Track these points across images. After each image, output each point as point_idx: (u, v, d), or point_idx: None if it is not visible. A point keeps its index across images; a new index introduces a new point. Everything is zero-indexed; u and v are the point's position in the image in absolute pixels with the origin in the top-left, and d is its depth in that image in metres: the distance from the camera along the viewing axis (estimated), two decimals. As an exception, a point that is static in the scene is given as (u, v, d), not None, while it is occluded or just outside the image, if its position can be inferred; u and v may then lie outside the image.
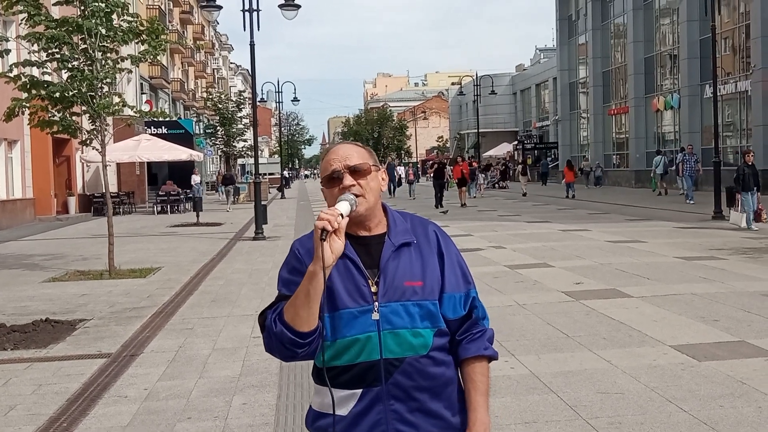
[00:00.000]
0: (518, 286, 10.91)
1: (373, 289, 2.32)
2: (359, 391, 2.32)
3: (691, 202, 26.91)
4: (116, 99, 14.09)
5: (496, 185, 50.62)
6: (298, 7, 21.70)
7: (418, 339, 2.32)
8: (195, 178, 34.41)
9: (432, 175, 33.47)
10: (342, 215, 2.21)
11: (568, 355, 7.04)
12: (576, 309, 9.10)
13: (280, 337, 2.27)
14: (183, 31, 63.82)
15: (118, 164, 37.00)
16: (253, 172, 23.32)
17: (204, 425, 5.54)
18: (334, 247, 2.18)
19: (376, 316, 2.29)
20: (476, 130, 59.22)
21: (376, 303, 2.30)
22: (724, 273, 11.40)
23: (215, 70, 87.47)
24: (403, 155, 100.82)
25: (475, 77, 59.99)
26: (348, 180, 2.33)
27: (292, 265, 2.39)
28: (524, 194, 38.21)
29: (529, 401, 5.78)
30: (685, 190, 28.35)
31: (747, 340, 7.37)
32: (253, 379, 6.66)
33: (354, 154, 2.39)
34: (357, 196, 2.32)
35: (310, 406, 2.46)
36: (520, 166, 46.24)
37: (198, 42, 66.46)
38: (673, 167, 33.90)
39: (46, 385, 6.72)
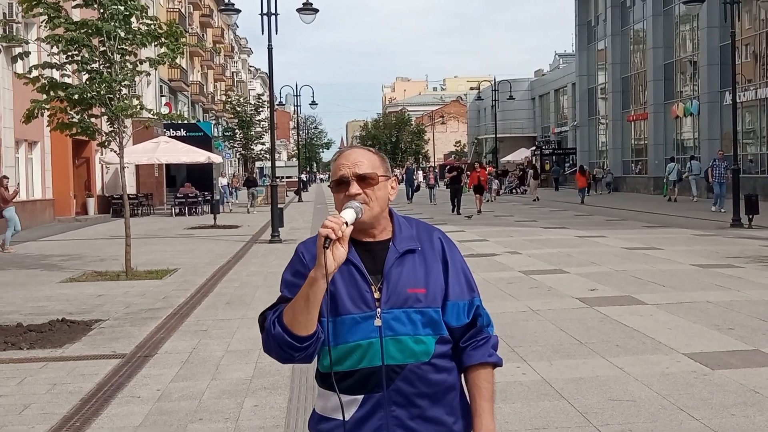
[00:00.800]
0: (532, 292, 10.89)
1: (376, 295, 2.33)
2: (361, 396, 2.33)
3: (722, 210, 25.05)
4: (134, 101, 14.16)
5: (514, 190, 50.52)
6: (316, 11, 21.79)
7: (420, 346, 2.34)
8: (222, 181, 34.80)
9: (449, 180, 32.43)
10: (347, 223, 2.23)
11: (581, 362, 7.03)
12: (590, 315, 9.08)
13: (278, 339, 2.30)
14: (203, 34, 64.14)
15: (136, 166, 37.23)
16: (271, 176, 23.32)
17: (215, 426, 5.58)
18: (336, 255, 2.21)
19: (378, 322, 2.31)
20: (494, 135, 59.11)
21: (379, 309, 2.32)
22: (741, 281, 11.33)
23: (234, 73, 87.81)
24: (420, 159, 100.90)
25: (493, 82, 59.90)
26: (354, 188, 2.35)
27: (295, 268, 2.41)
28: (535, 199, 38.75)
29: (540, 407, 5.78)
30: (714, 197, 26.64)
31: (761, 348, 7.32)
32: (265, 381, 6.69)
33: (365, 161, 2.39)
34: (362, 203, 2.33)
35: (314, 409, 2.47)
36: (531, 171, 46.19)
37: (217, 45, 66.78)
38: (685, 174, 34.37)
39: (60, 384, 6.79)
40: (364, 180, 2.36)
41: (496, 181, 44.25)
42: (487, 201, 36.01)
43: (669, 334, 8.00)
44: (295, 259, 2.43)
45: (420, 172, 50.93)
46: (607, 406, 5.74)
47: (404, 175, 46.51)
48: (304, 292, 2.24)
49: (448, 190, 33.05)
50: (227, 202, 36.63)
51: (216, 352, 7.82)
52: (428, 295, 2.36)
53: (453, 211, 29.49)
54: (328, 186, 2.47)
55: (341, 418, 2.33)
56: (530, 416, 5.59)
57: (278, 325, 2.30)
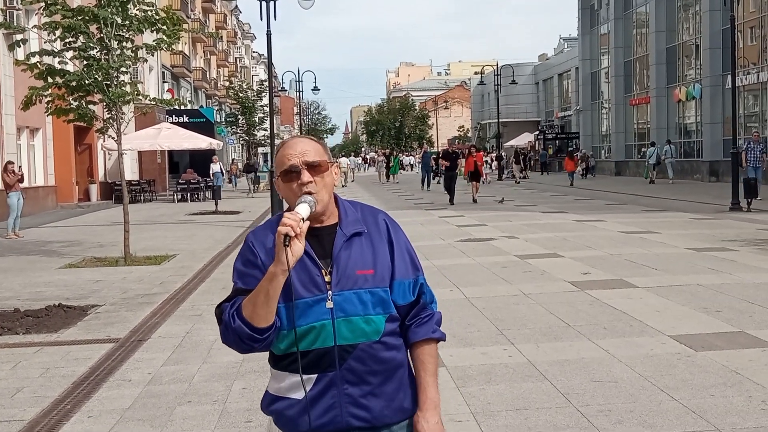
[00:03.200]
0: (525, 276, 10.96)
1: (327, 278, 2.40)
2: (314, 376, 2.41)
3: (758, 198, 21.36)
4: (130, 88, 14.21)
5: (516, 175, 50.47)
6: (315, -4, 21.79)
7: (371, 325, 2.42)
8: (214, 167, 33.75)
9: (443, 168, 29.17)
10: (303, 219, 2.31)
11: (567, 344, 7.11)
12: (580, 299, 9.15)
13: (238, 332, 2.37)
14: (205, 20, 64.09)
15: (139, 152, 37.34)
16: (270, 162, 23.40)
17: (203, 409, 5.68)
18: (294, 250, 2.29)
19: (330, 304, 2.39)
20: (497, 120, 59.04)
21: (330, 292, 2.39)
22: (734, 264, 11.38)
23: (237, 59, 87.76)
24: (425, 144, 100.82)
25: (496, 67, 59.79)
26: (306, 176, 2.41)
27: (246, 258, 2.48)
28: (517, 182, 41.90)
29: (523, 389, 5.86)
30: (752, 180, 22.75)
31: (746, 330, 7.39)
32: (254, 364, 6.77)
33: (311, 149, 2.47)
34: (311, 193, 2.40)
35: (266, 390, 2.56)
36: (513, 157, 47.12)
37: (220, 31, 66.71)
38: (664, 158, 37.12)
39: (53, 368, 6.89)
40: (314, 167, 2.44)
41: (495, 163, 44.70)
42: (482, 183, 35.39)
43: (657, 316, 8.07)
44: (246, 249, 2.49)
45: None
46: (589, 387, 5.82)
47: (421, 160, 45.10)
48: (263, 287, 2.32)
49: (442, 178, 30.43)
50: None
51: (209, 337, 7.91)
52: (376, 275, 2.44)
53: (451, 200, 26.76)
54: (275, 178, 2.54)
55: (295, 398, 2.42)
56: (512, 397, 5.68)
57: (238, 318, 2.37)
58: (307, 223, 2.33)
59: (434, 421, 2.48)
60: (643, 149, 42.54)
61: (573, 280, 10.42)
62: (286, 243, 2.26)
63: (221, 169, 33.07)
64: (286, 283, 2.35)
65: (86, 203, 31.99)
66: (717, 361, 6.39)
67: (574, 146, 59.08)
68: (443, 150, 36.40)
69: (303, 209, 2.34)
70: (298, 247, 2.29)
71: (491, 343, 7.26)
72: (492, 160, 50.36)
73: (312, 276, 2.41)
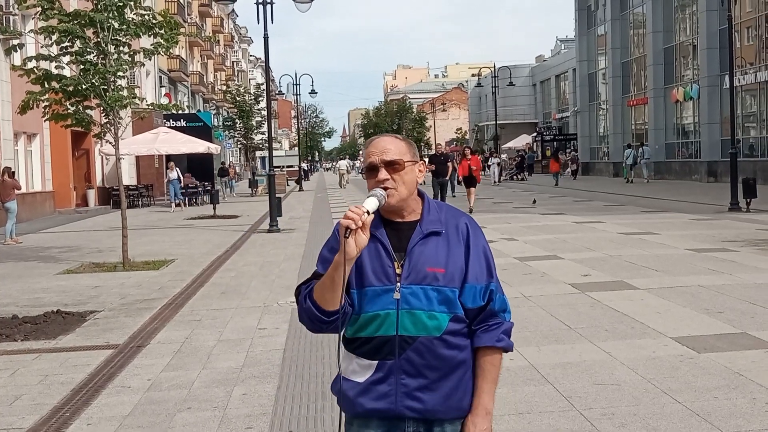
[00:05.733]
0: (525, 278, 10.93)
1: (398, 270, 2.51)
2: (375, 362, 2.51)
3: None
4: (127, 92, 14.17)
5: (514, 177, 50.50)
6: (312, -1, 21.74)
7: (433, 321, 2.50)
8: (171, 174, 31.89)
9: (431, 171, 23.69)
10: (368, 212, 2.42)
11: (569, 347, 7.07)
12: (581, 301, 9.12)
13: (308, 313, 2.54)
14: (202, 24, 64.07)
15: (137, 157, 37.26)
16: (269, 165, 23.34)
17: (203, 415, 5.63)
18: (358, 242, 2.40)
19: (397, 295, 2.49)
20: (495, 122, 59.02)
21: (399, 284, 2.49)
22: (734, 265, 11.35)
23: (235, 63, 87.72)
24: (422, 147, 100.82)
25: (493, 69, 59.76)
26: (383, 174, 2.53)
27: (331, 245, 2.61)
28: (495, 182, 44.29)
29: (525, 392, 5.83)
30: None
31: (749, 332, 7.36)
32: (255, 370, 6.74)
33: (392, 148, 2.58)
34: (387, 188, 2.51)
35: (338, 372, 2.64)
36: (496, 160, 48.14)
37: (216, 35, 66.66)
38: (640, 159, 39.94)
39: (52, 375, 6.85)
40: (392, 166, 2.54)
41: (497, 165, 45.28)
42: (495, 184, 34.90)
43: (658, 318, 8.04)
44: (332, 237, 2.61)
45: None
46: (592, 390, 5.79)
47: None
48: (330, 273, 2.45)
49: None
50: (174, 202, 31.70)
51: (208, 342, 7.87)
52: (446, 275, 2.52)
53: None
54: (360, 173, 2.62)
55: (356, 380, 2.55)
56: (515, 401, 5.64)
57: (309, 300, 2.53)
58: (372, 216, 2.43)
59: (483, 427, 2.55)
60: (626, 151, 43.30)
61: (573, 282, 10.39)
62: (347, 235, 2.37)
63: (179, 175, 32.16)
64: (360, 272, 2.49)
65: (84, 208, 31.91)
66: (720, 362, 6.36)
67: (572, 147, 59.11)
68: (430, 154, 34.56)
69: (371, 202, 2.46)
70: (362, 238, 2.41)
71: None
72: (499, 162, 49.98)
73: (384, 267, 2.51)
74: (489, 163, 46.88)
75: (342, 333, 2.55)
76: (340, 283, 2.41)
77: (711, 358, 6.50)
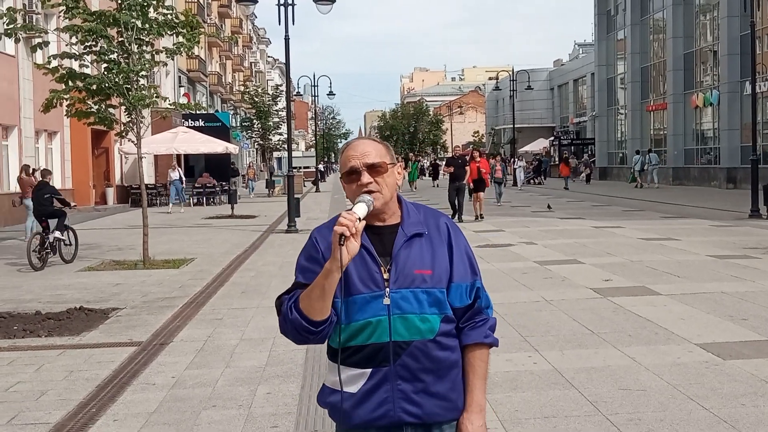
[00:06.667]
0: (546, 282, 10.90)
1: (385, 276, 2.47)
2: (369, 370, 2.47)
3: None
4: (151, 91, 14.24)
5: (531, 181, 50.39)
6: (333, 1, 21.78)
7: (426, 324, 2.47)
8: (172, 174, 31.60)
9: (448, 176, 23.29)
10: (360, 219, 2.37)
11: (592, 352, 7.05)
12: (603, 306, 9.08)
13: (294, 324, 2.45)
14: (221, 25, 64.27)
15: (155, 156, 37.40)
16: (288, 166, 23.37)
17: (228, 413, 5.65)
18: (350, 248, 2.35)
19: (387, 301, 2.45)
20: (512, 126, 58.91)
21: (388, 289, 2.45)
22: (757, 272, 11.28)
23: (252, 64, 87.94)
24: (438, 150, 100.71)
25: (511, 72, 59.68)
26: (366, 177, 2.50)
27: (309, 254, 2.55)
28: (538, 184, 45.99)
29: (550, 396, 5.81)
30: None
31: (774, 339, 7.31)
32: (278, 369, 6.76)
33: (372, 151, 2.54)
34: (372, 192, 2.47)
35: (323, 383, 2.61)
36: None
37: (235, 35, 66.87)
38: (648, 165, 40.27)
39: (77, 371, 6.89)
40: (374, 169, 2.51)
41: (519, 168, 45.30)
42: (500, 204, 28.45)
43: (682, 324, 8.00)
44: (310, 245, 2.56)
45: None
46: (617, 395, 5.76)
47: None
48: (319, 282, 2.39)
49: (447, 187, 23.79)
50: (176, 203, 31.32)
51: (230, 341, 7.90)
52: (434, 276, 2.49)
53: (454, 216, 21.44)
54: (340, 179, 2.58)
55: (350, 391, 2.48)
56: (540, 405, 5.62)
57: (295, 310, 2.45)
58: (363, 222, 2.39)
59: (479, 424, 2.53)
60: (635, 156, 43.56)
61: (595, 286, 10.35)
62: (341, 242, 2.33)
63: (180, 176, 31.98)
64: (347, 280, 2.43)
65: (103, 206, 32.09)
66: (746, 370, 6.32)
67: (590, 152, 58.93)
68: (447, 156, 33.91)
69: (360, 208, 2.41)
70: (354, 245, 2.35)
71: (515, 349, 7.20)
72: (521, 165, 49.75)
73: (371, 273, 2.47)
74: (515, 166, 46.59)
75: (327, 343, 2.52)
76: (331, 292, 2.38)
77: (737, 365, 6.46)
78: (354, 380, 2.47)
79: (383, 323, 2.44)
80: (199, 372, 6.77)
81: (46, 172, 16.18)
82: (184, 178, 32.31)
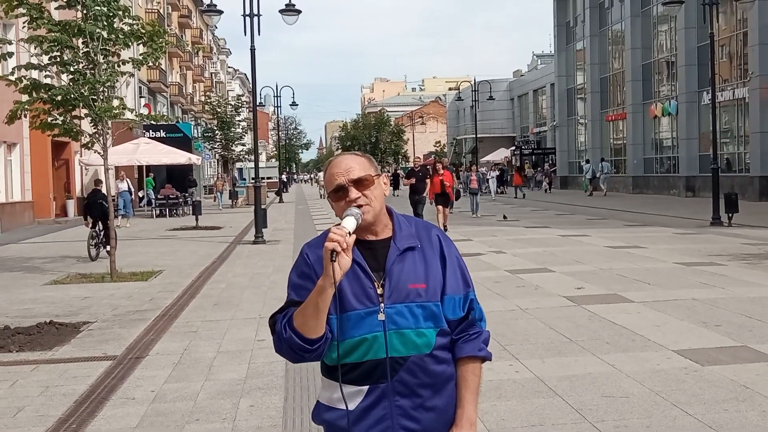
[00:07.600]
0: (519, 290, 10.96)
1: (379, 291, 2.44)
2: (366, 387, 2.43)
3: None
4: (116, 102, 14.08)
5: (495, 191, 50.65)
6: (299, 12, 21.76)
7: (422, 339, 2.44)
8: (121, 185, 29.97)
9: (408, 188, 22.72)
10: (350, 233, 2.33)
11: (572, 359, 7.09)
12: (578, 314, 9.15)
13: (289, 342, 2.41)
14: (181, 35, 63.81)
15: (116, 167, 36.94)
16: (253, 176, 23.22)
17: (213, 427, 5.58)
18: (342, 264, 2.31)
19: (381, 317, 2.42)
20: (474, 135, 59.25)
21: (382, 305, 2.42)
22: (725, 279, 11.45)
23: (213, 74, 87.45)
24: (400, 160, 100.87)
25: (473, 83, 60.06)
26: (353, 193, 2.46)
27: (301, 270, 2.51)
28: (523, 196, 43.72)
29: (535, 404, 5.83)
30: None
31: (749, 345, 7.42)
32: (259, 381, 6.70)
33: (355, 166, 2.50)
34: (361, 206, 2.44)
35: (318, 400, 2.57)
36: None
37: (196, 46, 66.47)
38: (599, 174, 42.67)
39: (53, 386, 6.75)
40: (361, 183, 2.47)
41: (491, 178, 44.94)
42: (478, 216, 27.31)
43: (657, 331, 8.09)
44: (300, 261, 2.53)
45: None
46: (602, 403, 5.80)
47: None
48: (313, 299, 2.35)
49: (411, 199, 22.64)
50: (122, 216, 28.71)
51: (208, 353, 7.81)
52: (428, 289, 2.46)
53: None
54: (327, 198, 2.56)
55: (345, 408, 2.43)
56: (526, 413, 5.64)
57: (289, 329, 2.40)
58: (354, 236, 2.35)
59: None
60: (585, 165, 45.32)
61: (568, 294, 10.43)
62: (333, 258, 2.28)
63: (129, 187, 30.61)
64: (340, 296, 2.39)
65: (63, 219, 31.59)
66: (725, 375, 6.40)
67: (550, 161, 59.49)
68: (408, 168, 32.96)
69: (349, 222, 2.37)
70: (346, 261, 2.31)
71: (495, 358, 7.18)
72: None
73: (365, 288, 2.44)
74: (488, 176, 45.15)
75: (323, 361, 2.49)
76: (325, 309, 2.34)
77: (715, 371, 6.54)
78: (351, 397, 2.43)
79: (379, 339, 2.41)
80: (178, 386, 6.67)
81: (98, 182, 18.32)
82: (133, 189, 31.45)
